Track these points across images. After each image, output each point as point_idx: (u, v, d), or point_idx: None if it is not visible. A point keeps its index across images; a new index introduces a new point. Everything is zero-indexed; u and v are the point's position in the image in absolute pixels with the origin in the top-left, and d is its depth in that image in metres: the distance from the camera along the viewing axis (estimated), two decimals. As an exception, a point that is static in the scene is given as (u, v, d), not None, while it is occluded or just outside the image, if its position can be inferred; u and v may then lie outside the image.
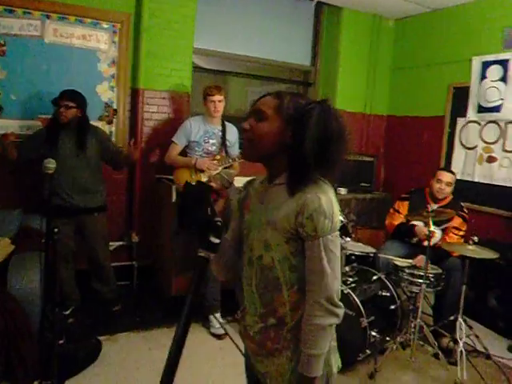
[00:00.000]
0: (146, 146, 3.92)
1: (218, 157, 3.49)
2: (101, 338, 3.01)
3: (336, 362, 1.37)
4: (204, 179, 3.42)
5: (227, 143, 3.55)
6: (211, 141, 3.50)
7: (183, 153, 3.55)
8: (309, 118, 1.21)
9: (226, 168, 3.48)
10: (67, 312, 3.22)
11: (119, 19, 3.64)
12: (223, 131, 3.53)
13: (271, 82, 5.11)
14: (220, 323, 3.33)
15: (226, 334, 3.27)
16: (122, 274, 3.87)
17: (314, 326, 1.23)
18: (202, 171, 3.43)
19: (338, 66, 4.83)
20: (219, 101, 3.35)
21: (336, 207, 1.25)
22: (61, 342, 2.53)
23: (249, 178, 1.48)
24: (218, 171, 3.41)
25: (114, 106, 3.76)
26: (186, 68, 3.99)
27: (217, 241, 0.82)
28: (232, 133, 3.60)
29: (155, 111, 3.91)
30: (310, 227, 1.20)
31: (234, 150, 3.64)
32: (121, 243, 3.92)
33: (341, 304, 1.26)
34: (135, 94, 3.82)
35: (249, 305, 1.40)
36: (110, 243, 3.65)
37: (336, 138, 1.22)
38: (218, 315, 3.37)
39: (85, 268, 3.42)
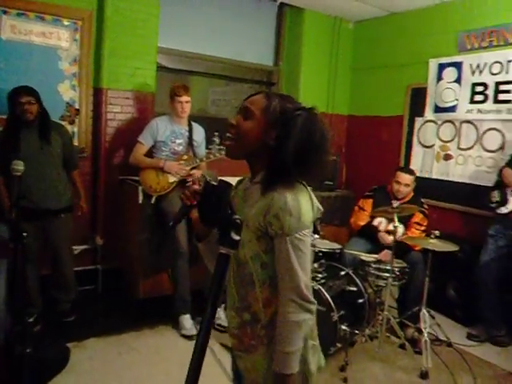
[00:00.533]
0: (109, 146, 3.83)
1: (185, 157, 3.47)
2: (69, 344, 2.92)
3: (316, 361, 1.39)
4: (171, 180, 3.39)
5: (194, 143, 3.53)
6: (178, 141, 3.47)
7: (149, 153, 3.50)
8: (294, 125, 1.23)
9: (193, 168, 3.46)
10: (31, 319, 3.10)
11: (80, 16, 3.54)
12: (190, 131, 3.51)
13: (234, 81, 5.13)
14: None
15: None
16: (87, 278, 3.77)
17: (288, 322, 1.25)
18: (169, 173, 3.39)
19: (301, 66, 4.91)
20: (186, 101, 3.34)
21: (305, 206, 1.26)
22: (28, 350, 2.44)
23: (239, 178, 1.49)
24: (186, 173, 3.39)
25: (76, 106, 3.65)
26: (151, 67, 3.93)
27: (237, 237, 0.83)
28: (198, 133, 3.59)
29: (119, 111, 3.83)
30: (277, 225, 1.23)
31: (201, 150, 3.63)
32: (85, 247, 3.82)
33: (313, 299, 1.28)
34: (98, 94, 3.72)
35: (229, 300, 1.42)
36: (74, 247, 3.55)
37: (317, 147, 1.25)
38: (187, 316, 3.35)
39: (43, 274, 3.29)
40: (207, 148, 3.76)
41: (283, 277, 1.26)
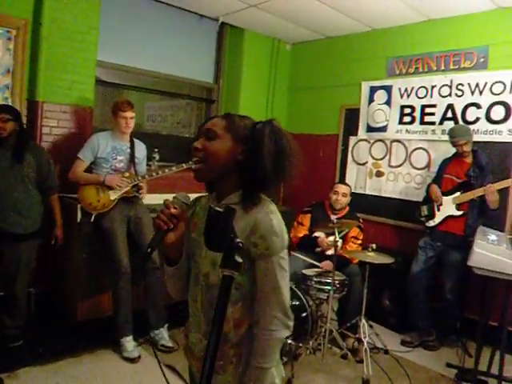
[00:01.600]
0: (44, 162, 3.64)
1: (127, 174, 3.38)
2: (1, 375, 2.71)
3: (279, 373, 1.41)
4: (113, 197, 3.29)
5: (136, 160, 3.45)
6: (119, 157, 3.38)
7: (88, 170, 3.38)
8: (261, 136, 1.27)
9: (135, 185, 3.38)
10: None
11: (15, 25, 3.36)
12: (132, 148, 3.44)
13: (174, 97, 5.11)
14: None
15: (140, 356, 3.17)
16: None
17: (272, 340, 1.28)
18: (111, 188, 3.29)
19: (240, 85, 5.01)
20: (131, 117, 3.27)
21: (283, 226, 1.31)
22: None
23: (196, 195, 1.49)
24: (127, 188, 3.31)
25: (8, 119, 3.43)
26: (89, 81, 3.81)
27: (240, 260, 0.85)
28: (140, 150, 3.52)
29: (55, 125, 3.65)
30: (263, 246, 1.25)
31: (143, 167, 3.57)
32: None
33: (292, 315, 1.32)
34: (33, 107, 3.54)
35: (193, 322, 1.42)
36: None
37: (287, 151, 1.30)
38: (129, 338, 3.25)
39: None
40: (147, 165, 3.71)
41: (268, 296, 1.28)
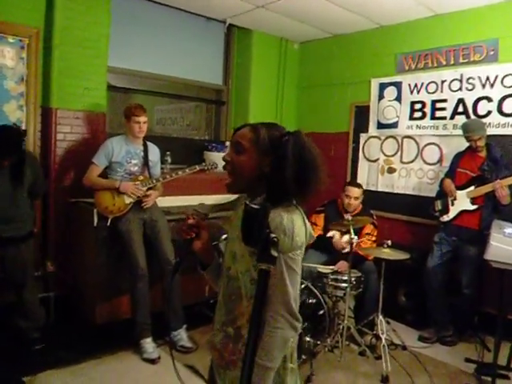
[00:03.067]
0: (59, 168, 3.70)
1: (141, 177, 3.42)
2: (24, 379, 2.76)
3: (294, 383, 1.42)
4: (128, 201, 3.32)
5: (150, 163, 3.49)
6: (133, 161, 3.41)
7: (103, 174, 3.42)
8: (285, 150, 1.30)
9: (149, 189, 3.42)
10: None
11: (27, 34, 3.42)
12: (145, 151, 3.47)
13: (183, 100, 5.15)
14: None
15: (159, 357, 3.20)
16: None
17: (275, 338, 1.29)
18: (125, 193, 3.33)
19: (250, 85, 5.03)
20: (144, 122, 3.31)
21: (298, 228, 1.30)
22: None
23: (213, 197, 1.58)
24: (142, 193, 3.35)
25: (24, 127, 3.49)
26: (101, 87, 3.86)
27: (276, 254, 0.88)
28: (154, 153, 3.55)
29: (69, 131, 3.71)
30: None
31: (157, 170, 3.60)
32: (35, 274, 3.62)
33: (300, 317, 1.33)
34: (47, 114, 3.59)
35: (217, 314, 1.47)
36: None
37: (310, 165, 1.32)
38: (149, 339, 3.28)
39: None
40: (160, 168, 3.74)
41: (274, 293, 1.29)
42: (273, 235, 0.92)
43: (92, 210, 3.40)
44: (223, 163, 1.43)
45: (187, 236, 1.38)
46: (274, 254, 0.89)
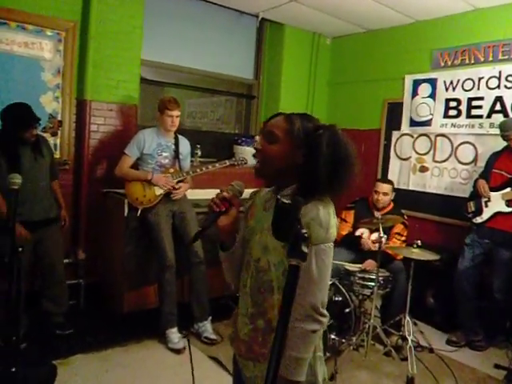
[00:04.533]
0: (92, 158, 3.79)
1: (172, 170, 3.46)
2: (55, 362, 2.84)
3: (323, 372, 1.41)
4: (158, 193, 3.37)
5: (180, 156, 3.52)
6: (164, 154, 3.45)
7: (134, 165, 3.48)
8: (319, 144, 1.28)
9: (180, 181, 3.45)
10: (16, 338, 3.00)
11: (64, 27, 3.50)
12: (176, 144, 3.50)
13: (215, 94, 5.17)
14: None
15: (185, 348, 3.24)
16: (69, 293, 3.67)
17: (296, 328, 1.27)
18: (157, 185, 3.38)
19: (281, 81, 5.00)
20: (177, 116, 3.34)
21: (333, 220, 1.31)
22: (13, 370, 2.37)
23: (254, 189, 1.53)
24: (173, 185, 3.38)
25: (59, 118, 3.59)
26: (134, 79, 3.92)
27: (306, 250, 0.88)
28: (184, 145, 3.59)
29: (102, 123, 3.79)
30: None
31: (187, 163, 3.63)
32: (66, 261, 3.72)
33: (325, 312, 1.30)
34: (81, 106, 3.68)
35: (242, 306, 1.44)
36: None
37: (344, 161, 1.29)
38: (174, 330, 3.33)
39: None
40: (190, 161, 3.78)
41: (301, 284, 1.26)
42: (304, 231, 0.91)
43: (123, 200, 3.47)
44: (252, 159, 1.42)
45: (217, 209, 1.32)
46: (305, 249, 0.88)
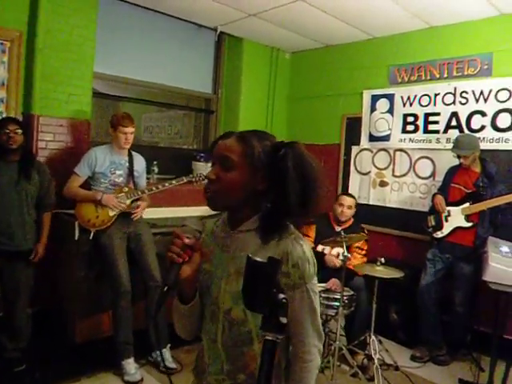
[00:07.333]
0: (40, 177, 3.53)
1: (126, 189, 3.28)
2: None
3: None
4: (112, 213, 3.18)
5: (135, 174, 3.36)
6: (118, 172, 3.28)
7: (86, 185, 3.27)
8: (285, 166, 1.15)
9: (135, 200, 3.28)
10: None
11: (8, 37, 3.27)
12: (130, 162, 3.34)
13: (172, 108, 5.03)
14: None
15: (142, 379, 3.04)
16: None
17: (312, 368, 1.21)
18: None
19: (240, 95, 4.93)
20: (131, 133, 3.18)
21: (311, 251, 1.23)
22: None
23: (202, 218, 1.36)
24: (126, 204, 3.21)
25: (3, 134, 3.32)
26: (86, 93, 3.71)
27: (285, 320, 0.73)
28: (139, 163, 3.43)
29: (51, 139, 3.55)
30: (297, 275, 1.16)
31: (142, 181, 3.47)
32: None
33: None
34: (29, 120, 3.43)
35: (212, 362, 1.27)
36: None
37: (315, 180, 1.17)
38: (131, 360, 3.12)
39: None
40: (146, 178, 3.61)
41: (306, 325, 1.20)
42: (282, 296, 0.77)
43: (73, 222, 3.25)
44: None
45: (180, 259, 1.11)
46: (283, 321, 0.74)
